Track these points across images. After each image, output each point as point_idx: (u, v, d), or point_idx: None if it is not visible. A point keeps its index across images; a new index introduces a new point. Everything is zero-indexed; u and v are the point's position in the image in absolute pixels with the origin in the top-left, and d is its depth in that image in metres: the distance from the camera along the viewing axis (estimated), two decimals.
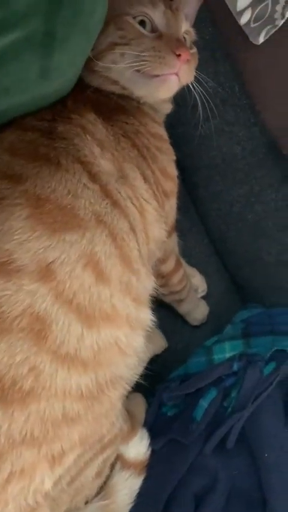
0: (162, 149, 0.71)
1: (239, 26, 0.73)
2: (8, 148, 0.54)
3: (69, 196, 0.53)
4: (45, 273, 0.50)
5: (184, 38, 0.67)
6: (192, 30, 0.71)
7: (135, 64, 0.60)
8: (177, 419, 0.76)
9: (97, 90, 0.65)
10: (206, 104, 0.88)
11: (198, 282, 1.01)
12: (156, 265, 0.73)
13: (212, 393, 0.76)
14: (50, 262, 0.51)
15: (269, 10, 0.70)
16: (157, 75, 0.62)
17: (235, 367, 0.77)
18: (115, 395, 0.57)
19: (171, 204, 0.73)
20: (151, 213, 0.64)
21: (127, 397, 0.79)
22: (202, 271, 1.03)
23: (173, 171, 0.73)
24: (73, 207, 0.53)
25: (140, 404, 0.80)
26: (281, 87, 0.74)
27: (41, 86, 0.51)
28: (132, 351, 0.59)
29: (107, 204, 0.57)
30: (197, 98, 0.70)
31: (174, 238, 0.82)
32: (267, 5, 0.70)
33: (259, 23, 0.71)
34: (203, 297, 1.02)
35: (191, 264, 1.01)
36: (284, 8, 0.68)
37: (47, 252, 0.51)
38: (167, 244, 0.74)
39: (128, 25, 0.62)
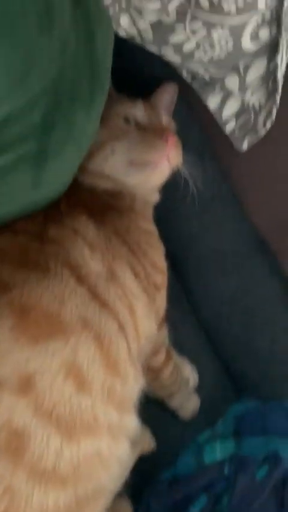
0: (152, 244, 0.73)
1: (225, 134, 0.78)
2: None
3: (56, 302, 0.54)
4: (26, 385, 0.49)
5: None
6: (172, 121, 0.77)
7: (125, 155, 0.66)
8: None
9: (89, 190, 0.69)
10: (196, 199, 0.94)
11: (189, 374, 0.99)
12: (147, 359, 0.72)
13: (203, 500, 0.72)
14: (31, 374, 0.50)
15: (252, 121, 0.75)
16: (149, 163, 0.67)
17: (226, 470, 0.74)
18: (96, 508, 0.54)
19: (162, 296, 0.74)
20: (141, 308, 0.65)
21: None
22: (194, 362, 1.01)
23: (163, 264, 0.75)
24: (59, 313, 0.53)
25: (125, 510, 0.75)
26: (265, 192, 0.78)
27: (32, 196, 0.54)
28: (115, 461, 0.56)
29: (94, 306, 0.57)
30: (188, 182, 0.76)
31: (164, 329, 0.82)
32: (250, 116, 0.76)
33: (243, 132, 0.77)
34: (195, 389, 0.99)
35: (182, 354, 1.00)
36: (265, 119, 0.74)
37: (28, 363, 0.50)
38: (157, 337, 0.74)
39: (114, 123, 0.68)
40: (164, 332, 0.84)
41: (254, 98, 0.74)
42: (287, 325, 0.99)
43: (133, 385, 0.61)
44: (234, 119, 0.77)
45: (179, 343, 1.00)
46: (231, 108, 0.77)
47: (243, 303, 0.99)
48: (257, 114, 0.76)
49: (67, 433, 0.51)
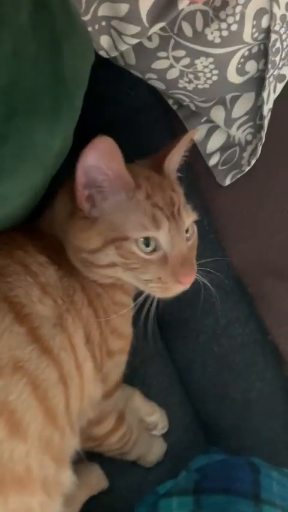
0: (122, 314, 0.68)
1: (208, 167, 0.75)
2: None
3: None
4: None
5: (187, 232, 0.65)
6: (193, 217, 0.67)
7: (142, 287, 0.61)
8: None
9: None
10: None
11: (158, 419, 0.92)
12: (88, 426, 0.65)
13: None
14: None
15: (237, 156, 0.73)
16: None
17: None
18: None
19: (117, 362, 0.69)
20: (88, 370, 0.60)
21: None
22: (163, 403, 0.95)
23: (127, 330, 0.71)
24: None
25: None
26: (243, 227, 0.74)
27: None
28: None
29: (32, 349, 0.52)
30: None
31: (117, 396, 0.75)
32: (235, 151, 0.73)
33: (226, 166, 0.74)
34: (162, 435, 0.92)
35: (150, 395, 0.94)
36: (250, 155, 0.71)
37: None
38: (105, 405, 0.68)
39: (131, 255, 0.59)
40: (116, 399, 0.76)
41: (240, 132, 0.72)
42: (264, 372, 0.94)
43: (71, 440, 0.55)
44: (219, 153, 0.75)
45: (147, 383, 0.95)
46: (216, 141, 0.75)
47: (219, 344, 0.94)
48: (242, 149, 0.73)
49: None
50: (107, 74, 0.80)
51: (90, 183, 0.58)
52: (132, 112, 0.77)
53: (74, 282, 0.60)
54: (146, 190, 0.60)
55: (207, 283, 0.71)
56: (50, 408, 0.52)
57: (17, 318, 0.52)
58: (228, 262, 0.88)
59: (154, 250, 0.60)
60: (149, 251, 0.59)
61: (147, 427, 0.87)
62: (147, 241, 0.59)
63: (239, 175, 0.72)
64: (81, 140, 0.66)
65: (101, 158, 0.55)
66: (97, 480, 0.79)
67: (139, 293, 0.68)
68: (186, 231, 0.65)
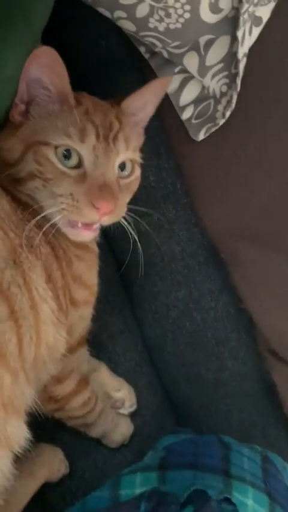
0: (83, 258, 0.63)
1: (181, 121, 0.71)
2: None
3: None
4: None
5: (121, 168, 0.60)
6: (136, 156, 0.63)
7: (55, 203, 0.55)
8: None
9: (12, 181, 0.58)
10: (146, 198, 0.85)
11: (126, 395, 0.86)
12: (48, 385, 0.60)
13: None
14: None
15: (211, 109, 0.69)
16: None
17: (142, 508, 0.61)
18: None
19: (81, 314, 0.64)
20: (46, 312, 0.54)
21: None
22: (131, 383, 0.90)
23: (91, 279, 0.65)
24: None
25: None
26: (216, 187, 0.70)
27: None
28: None
29: None
30: (126, 227, 0.64)
31: (81, 354, 0.71)
32: (209, 103, 0.70)
33: (200, 120, 0.70)
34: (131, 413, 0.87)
35: (118, 373, 0.88)
36: (225, 108, 0.67)
37: None
38: (67, 361, 0.62)
39: (46, 162, 0.55)
40: (81, 357, 0.72)
41: (214, 82, 0.68)
42: (237, 349, 0.90)
43: (25, 389, 0.49)
44: (192, 106, 0.70)
45: (114, 360, 0.89)
46: (189, 93, 0.71)
47: (192, 319, 0.89)
48: (217, 101, 0.69)
49: None
50: (76, 22, 0.76)
51: (31, 96, 0.56)
52: (104, 64, 0.73)
53: (30, 218, 0.55)
54: (86, 108, 0.58)
55: (133, 233, 0.65)
56: None
57: None
58: (202, 231, 0.84)
59: (76, 167, 0.56)
60: (69, 166, 0.55)
61: (113, 404, 0.82)
62: (69, 155, 0.55)
63: (214, 129, 0.68)
64: None
65: (43, 69, 0.52)
66: (59, 464, 0.74)
67: None
68: (123, 168, 0.61)
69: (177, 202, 0.82)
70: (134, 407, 0.87)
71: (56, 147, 0.55)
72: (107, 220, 0.58)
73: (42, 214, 0.55)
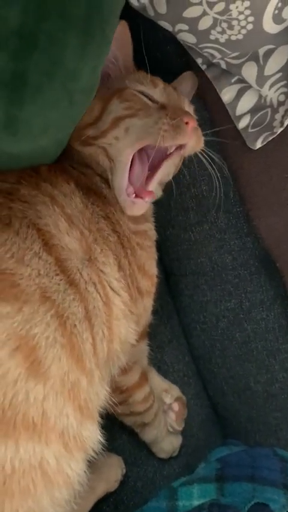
0: (143, 246, 0.65)
1: (237, 130, 0.72)
2: None
3: (12, 260, 0.46)
4: None
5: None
6: (193, 108, 0.70)
7: (142, 135, 0.59)
8: None
9: (83, 166, 0.61)
10: (198, 208, 0.86)
11: (175, 397, 0.86)
12: (115, 375, 0.61)
13: None
14: None
15: (268, 117, 0.69)
16: (133, 194, 0.60)
17: None
18: None
19: (145, 305, 0.66)
20: (119, 306, 0.56)
21: None
22: None
23: (152, 269, 0.67)
24: (14, 273, 0.45)
25: None
26: (273, 196, 0.70)
27: (5, 141, 0.46)
28: (62, 480, 0.45)
29: (60, 280, 0.49)
30: (208, 167, 0.68)
31: (143, 347, 0.73)
32: (266, 112, 0.70)
33: (257, 128, 0.71)
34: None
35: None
36: (283, 116, 0.67)
37: None
38: (133, 351, 0.64)
39: (133, 96, 0.61)
40: (143, 349, 0.75)
41: (272, 92, 0.68)
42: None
43: (99, 389, 0.50)
44: (249, 115, 0.71)
45: (163, 370, 0.90)
46: (246, 103, 0.72)
47: (242, 330, 0.89)
48: (274, 110, 0.69)
49: (2, 428, 0.41)
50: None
51: None
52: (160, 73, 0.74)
53: (98, 210, 0.58)
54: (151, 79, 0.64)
55: (212, 164, 0.68)
56: (76, 347, 0.47)
57: (45, 246, 0.49)
58: (254, 240, 0.84)
59: None
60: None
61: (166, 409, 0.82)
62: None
63: (271, 138, 0.68)
64: None
65: (114, 41, 0.55)
66: (116, 475, 0.74)
67: None
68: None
69: (230, 211, 0.83)
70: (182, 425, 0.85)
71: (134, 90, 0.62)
72: (192, 143, 0.62)
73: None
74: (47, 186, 0.53)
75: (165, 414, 0.80)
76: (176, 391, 0.83)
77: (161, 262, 0.92)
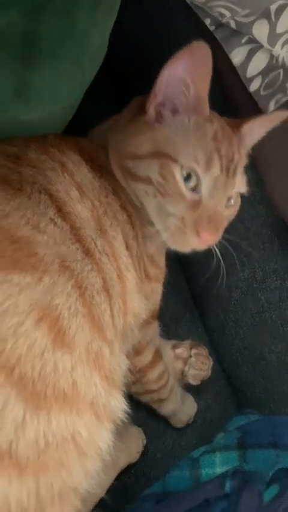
0: (155, 241, 0.62)
1: (249, 93, 0.70)
2: None
3: (27, 227, 0.44)
4: None
5: (229, 198, 0.61)
6: (244, 189, 0.64)
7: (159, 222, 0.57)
8: None
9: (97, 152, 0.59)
10: None
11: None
12: (129, 357, 0.60)
13: None
14: None
15: (281, 79, 0.67)
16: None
17: (227, 487, 0.61)
18: None
19: (154, 288, 0.65)
20: (131, 280, 0.55)
21: None
22: None
23: (161, 262, 0.66)
24: (30, 241, 0.43)
25: None
26: (287, 161, 0.68)
27: (16, 108, 0.44)
28: (94, 452, 0.45)
29: (77, 248, 0.47)
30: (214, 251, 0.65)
31: (155, 328, 0.71)
32: (278, 73, 0.68)
33: (270, 90, 0.68)
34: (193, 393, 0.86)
35: None
36: None
37: None
38: (144, 333, 0.63)
39: (171, 179, 0.55)
40: (154, 330, 0.73)
41: (284, 51, 0.66)
42: None
43: (122, 359, 0.50)
44: (260, 77, 0.69)
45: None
46: (257, 64, 0.69)
47: (256, 300, 0.88)
48: (287, 71, 0.67)
49: (33, 400, 0.39)
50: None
51: (167, 93, 0.54)
52: (168, 42, 0.71)
53: (106, 184, 0.56)
54: (215, 130, 0.57)
55: (220, 257, 0.67)
56: (96, 317, 0.46)
57: (59, 212, 0.47)
58: (266, 208, 0.82)
59: (192, 190, 0.55)
60: (187, 187, 0.55)
61: (180, 378, 0.81)
62: (189, 178, 0.55)
63: (284, 100, 0.67)
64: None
65: (191, 68, 0.51)
66: (138, 446, 0.75)
67: None
68: (230, 199, 0.61)
69: None
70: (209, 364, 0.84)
71: (181, 167, 0.54)
72: (202, 248, 0.59)
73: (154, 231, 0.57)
74: (55, 152, 0.51)
75: (190, 366, 0.79)
76: (187, 342, 0.82)
77: None
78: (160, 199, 0.55)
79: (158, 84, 0.53)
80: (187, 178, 0.55)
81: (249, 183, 0.84)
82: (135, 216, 0.59)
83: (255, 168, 0.78)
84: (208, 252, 0.87)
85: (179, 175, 0.54)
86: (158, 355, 0.71)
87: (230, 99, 0.71)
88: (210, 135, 0.56)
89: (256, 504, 0.58)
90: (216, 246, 0.64)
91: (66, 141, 0.55)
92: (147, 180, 0.55)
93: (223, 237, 0.62)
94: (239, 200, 0.65)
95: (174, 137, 0.55)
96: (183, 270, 0.94)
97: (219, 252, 0.66)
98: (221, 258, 0.69)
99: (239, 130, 0.60)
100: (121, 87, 0.71)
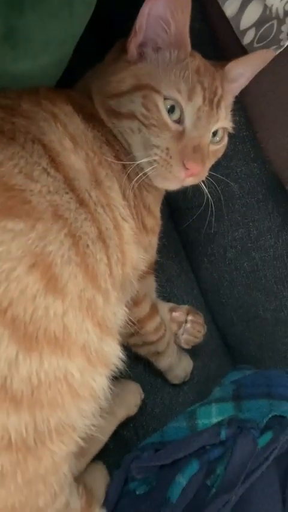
0: (151, 191, 0.64)
1: (243, 47, 0.68)
2: None
3: (21, 175, 0.44)
4: None
5: (214, 134, 0.62)
6: (228, 124, 0.65)
7: (145, 150, 0.56)
8: (147, 499, 0.62)
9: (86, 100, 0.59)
10: None
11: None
12: (128, 308, 0.62)
13: (193, 467, 0.62)
14: None
15: (274, 30, 0.66)
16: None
17: (223, 435, 0.64)
18: (61, 451, 0.44)
19: (151, 241, 0.65)
20: (128, 231, 0.56)
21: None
22: None
23: (157, 212, 0.67)
24: (24, 190, 0.44)
25: (100, 477, 0.66)
26: (282, 115, 0.67)
27: (4, 56, 0.43)
28: (88, 393, 0.47)
29: (70, 198, 0.48)
30: (202, 189, 0.66)
31: (151, 280, 0.74)
32: (272, 25, 0.67)
33: (263, 43, 0.67)
34: (189, 352, 0.89)
35: None
36: None
37: None
38: (141, 285, 0.64)
39: (154, 108, 0.55)
40: (151, 283, 0.75)
41: (278, 1, 0.65)
42: None
43: (117, 310, 0.51)
44: (254, 28, 0.68)
45: (174, 302, 0.90)
46: (250, 16, 0.68)
47: (250, 259, 0.89)
48: (280, 22, 0.66)
49: (26, 342, 0.41)
50: None
51: (148, 32, 0.55)
52: None
53: (99, 135, 0.56)
54: (198, 64, 0.58)
55: (209, 196, 0.68)
56: (90, 267, 0.47)
57: (52, 162, 0.48)
58: (261, 166, 0.82)
59: (176, 122, 0.57)
60: (172, 119, 0.56)
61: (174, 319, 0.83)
62: (173, 111, 0.56)
63: (278, 52, 0.66)
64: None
65: (170, 3, 0.52)
66: (136, 400, 0.77)
67: None
68: (215, 134, 0.62)
69: (235, 136, 0.80)
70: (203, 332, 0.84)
71: (165, 98, 0.55)
72: (189, 182, 0.59)
73: (135, 164, 0.56)
74: (47, 104, 0.51)
75: (184, 330, 0.81)
76: (184, 307, 0.84)
77: (165, 198, 0.91)
78: (145, 133, 0.56)
79: (138, 22, 0.54)
80: (171, 110, 0.56)
81: (244, 140, 0.84)
82: (129, 166, 0.58)
83: (249, 125, 0.78)
84: (202, 213, 0.88)
85: (162, 105, 0.55)
86: (154, 308, 0.73)
87: (224, 54, 0.70)
88: (193, 69, 0.57)
89: (251, 449, 0.61)
90: (204, 183, 0.65)
91: (58, 93, 0.55)
92: (131, 115, 0.56)
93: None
94: (226, 139, 0.66)
95: (156, 71, 0.56)
96: (179, 234, 0.95)
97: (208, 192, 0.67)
98: (210, 197, 0.69)
99: (222, 69, 0.62)
100: (107, 39, 0.70)
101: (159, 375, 0.83)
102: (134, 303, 0.65)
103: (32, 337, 0.41)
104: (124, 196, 0.56)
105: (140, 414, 0.79)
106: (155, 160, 0.56)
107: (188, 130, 0.57)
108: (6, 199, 0.42)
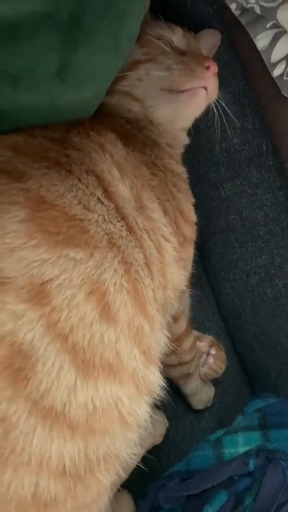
0: (180, 188, 0.65)
1: (272, 79, 0.71)
2: (11, 146, 0.48)
3: (80, 206, 0.46)
4: (38, 293, 0.41)
5: None
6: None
7: (161, 79, 0.60)
8: None
9: (113, 115, 0.62)
10: (229, 162, 0.86)
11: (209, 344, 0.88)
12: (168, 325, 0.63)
13: (221, 498, 0.62)
14: (46, 281, 0.42)
15: None
16: (185, 90, 0.60)
17: (251, 465, 0.64)
18: (106, 481, 0.45)
19: (189, 252, 0.66)
20: (170, 253, 0.57)
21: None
22: None
23: (192, 214, 0.68)
24: (82, 219, 0.46)
25: (126, 505, 0.65)
26: None
27: (55, 88, 0.45)
28: (134, 421, 0.47)
29: (122, 226, 0.50)
30: (217, 118, 0.68)
31: (187, 296, 0.75)
32: None
33: None
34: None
35: None
36: None
37: (43, 267, 0.42)
38: (180, 300, 0.65)
39: (151, 43, 0.63)
40: (186, 299, 0.76)
41: None
42: None
43: (160, 336, 0.52)
44: (285, 61, 0.70)
45: (196, 328, 0.91)
46: (281, 49, 0.70)
47: (273, 285, 0.90)
48: None
49: (84, 367, 0.42)
50: None
51: None
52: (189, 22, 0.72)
53: (135, 156, 0.58)
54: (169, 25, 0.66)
55: (220, 119, 0.69)
56: (139, 293, 0.49)
57: (105, 192, 0.50)
58: (286, 194, 0.84)
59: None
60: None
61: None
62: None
63: None
64: None
65: None
66: (161, 429, 0.77)
67: None
68: None
69: (262, 164, 0.82)
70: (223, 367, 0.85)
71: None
72: (213, 86, 0.62)
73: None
74: (95, 135, 0.53)
75: (205, 363, 0.82)
76: (208, 338, 0.85)
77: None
78: (153, 69, 0.60)
79: None
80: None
81: (270, 169, 0.85)
82: (162, 172, 0.61)
83: (276, 155, 0.80)
84: (226, 239, 0.89)
85: (154, 40, 0.62)
86: (189, 325, 0.74)
87: (251, 85, 0.72)
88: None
89: (280, 481, 0.61)
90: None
91: (99, 122, 0.57)
92: (135, 64, 0.61)
93: None
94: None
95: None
96: (202, 258, 0.96)
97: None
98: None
99: None
100: None
101: (181, 402, 0.83)
102: (173, 319, 0.66)
103: (89, 363, 0.42)
104: (165, 212, 0.58)
105: (162, 442, 0.80)
106: (175, 76, 0.59)
107: (186, 49, 0.64)
108: (68, 229, 0.44)
